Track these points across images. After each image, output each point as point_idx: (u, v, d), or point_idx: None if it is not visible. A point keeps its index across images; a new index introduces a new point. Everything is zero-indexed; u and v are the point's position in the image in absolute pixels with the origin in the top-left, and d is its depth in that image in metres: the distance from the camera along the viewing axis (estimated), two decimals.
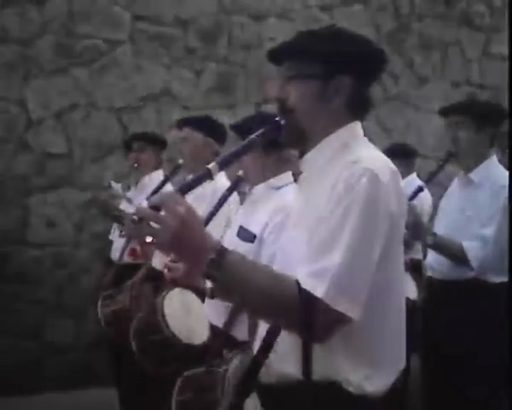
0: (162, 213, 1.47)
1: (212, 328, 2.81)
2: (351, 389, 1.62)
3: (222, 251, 1.53)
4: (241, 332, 2.64)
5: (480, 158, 3.33)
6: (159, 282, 3.61)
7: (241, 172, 2.93)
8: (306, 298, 1.53)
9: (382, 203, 1.59)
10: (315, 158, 1.76)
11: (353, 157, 1.65)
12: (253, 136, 1.73)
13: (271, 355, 1.65)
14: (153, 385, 4.22)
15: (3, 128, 5.57)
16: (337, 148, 1.73)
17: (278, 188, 2.75)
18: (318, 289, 1.53)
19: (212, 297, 2.62)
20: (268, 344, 1.63)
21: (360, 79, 1.75)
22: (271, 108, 5.61)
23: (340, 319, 1.55)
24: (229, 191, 2.99)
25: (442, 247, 3.25)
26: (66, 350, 5.68)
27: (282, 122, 1.76)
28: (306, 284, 1.54)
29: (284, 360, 1.65)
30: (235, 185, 2.99)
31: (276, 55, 1.83)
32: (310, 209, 1.69)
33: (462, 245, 3.20)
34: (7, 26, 5.56)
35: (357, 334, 1.61)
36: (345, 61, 1.71)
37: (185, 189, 1.58)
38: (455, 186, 3.51)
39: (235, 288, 1.57)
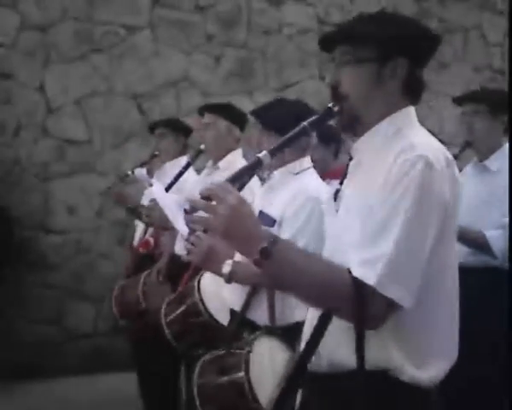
0: (213, 202, 1.50)
1: (231, 311, 2.83)
2: (404, 378, 1.61)
3: (273, 240, 1.53)
4: (259, 316, 2.65)
5: (496, 146, 3.37)
6: (180, 269, 3.64)
7: None
8: (358, 286, 1.52)
9: (436, 191, 1.57)
10: (368, 143, 1.74)
11: (407, 143, 1.62)
12: (304, 123, 1.72)
13: (322, 344, 1.63)
14: (171, 369, 4.28)
15: (24, 115, 5.60)
16: (391, 133, 1.71)
17: (297, 173, 2.75)
18: (370, 278, 1.52)
19: (228, 282, 2.63)
20: (319, 332, 1.61)
21: (415, 61, 1.73)
22: (291, 93, 5.60)
23: (392, 307, 1.54)
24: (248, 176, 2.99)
25: (464, 237, 3.23)
26: (86, 335, 5.73)
27: (335, 109, 1.73)
28: (358, 273, 1.54)
29: (336, 348, 1.65)
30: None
31: (330, 41, 1.79)
32: (362, 196, 1.66)
33: (485, 235, 3.18)
34: (26, 13, 5.58)
35: (411, 322, 1.60)
36: (401, 43, 1.69)
37: (235, 178, 1.58)
38: (469, 174, 3.50)
39: (286, 276, 1.57)
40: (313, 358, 1.66)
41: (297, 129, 1.72)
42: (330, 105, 1.74)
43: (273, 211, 2.70)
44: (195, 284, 3.13)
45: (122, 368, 5.10)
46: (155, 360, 4.27)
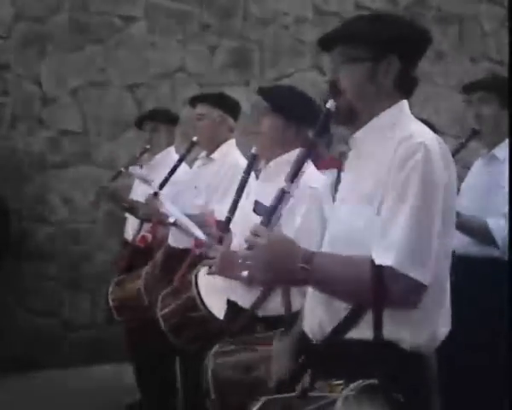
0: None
1: (236, 306, 2.82)
2: (409, 347, 1.76)
3: (308, 259, 1.75)
4: (270, 310, 2.67)
5: (504, 134, 3.28)
6: (175, 262, 3.64)
7: (254, 150, 2.93)
8: (379, 272, 1.69)
9: (437, 174, 1.72)
10: (365, 136, 1.89)
11: (406, 133, 1.78)
12: (311, 136, 1.96)
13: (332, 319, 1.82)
14: (166, 360, 4.29)
15: (19, 106, 5.58)
16: (386, 126, 1.86)
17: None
18: (389, 260, 1.68)
19: (249, 285, 2.64)
20: (349, 325, 1.78)
21: (407, 59, 1.88)
22: (287, 83, 5.57)
23: (414, 286, 1.69)
24: (247, 172, 2.98)
25: (466, 226, 3.18)
26: (83, 326, 5.73)
27: (331, 105, 1.88)
28: (378, 260, 1.70)
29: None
30: (252, 165, 2.98)
31: (328, 42, 1.94)
32: (361, 184, 1.83)
33: (487, 224, 3.15)
34: (22, 3, 5.55)
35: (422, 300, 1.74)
36: (393, 42, 1.84)
37: (268, 216, 1.85)
38: (479, 164, 3.46)
39: (322, 282, 1.80)
40: (317, 328, 1.86)
41: (307, 146, 1.93)
42: (328, 106, 1.90)
43: (269, 201, 2.70)
44: (193, 278, 3.13)
45: (119, 358, 5.11)
46: (152, 351, 4.29)
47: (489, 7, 6.98)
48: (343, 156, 3.89)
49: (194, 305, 3.10)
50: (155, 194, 3.80)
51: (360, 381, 1.63)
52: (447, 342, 1.87)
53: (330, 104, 1.90)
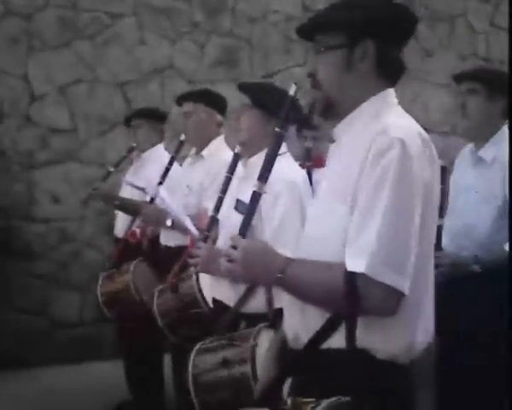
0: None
1: (222, 304, 2.82)
2: (382, 356, 1.64)
3: (284, 268, 1.67)
4: (254, 307, 2.68)
5: (491, 130, 3.11)
6: (169, 259, 3.64)
7: (237, 149, 2.93)
8: (352, 279, 1.57)
9: (415, 172, 1.58)
10: (346, 127, 1.77)
11: (382, 126, 1.64)
12: (276, 129, 1.83)
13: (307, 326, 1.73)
14: (157, 356, 4.29)
15: (7, 103, 5.55)
16: (368, 117, 1.72)
17: None
18: (361, 266, 1.56)
19: (235, 281, 2.64)
20: (327, 333, 1.68)
21: (386, 42, 1.73)
22: (276, 81, 5.57)
23: (389, 293, 1.57)
24: (231, 172, 2.98)
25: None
26: (72, 324, 5.71)
27: (293, 91, 1.82)
28: (349, 265, 1.59)
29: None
30: (235, 164, 2.98)
31: (306, 32, 1.84)
32: (336, 181, 1.72)
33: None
34: (10, 0, 5.52)
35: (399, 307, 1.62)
36: (367, 25, 1.70)
37: (244, 225, 1.79)
38: (464, 161, 3.29)
39: (297, 291, 1.71)
40: (294, 336, 1.76)
41: (274, 140, 1.83)
42: (291, 93, 1.83)
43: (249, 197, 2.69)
44: (193, 274, 3.13)
45: (108, 357, 5.11)
46: (142, 348, 4.29)
47: (478, 4, 7.00)
48: (317, 149, 3.90)
49: (194, 302, 3.10)
50: (151, 200, 3.79)
51: (332, 399, 1.53)
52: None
53: (292, 90, 1.83)
